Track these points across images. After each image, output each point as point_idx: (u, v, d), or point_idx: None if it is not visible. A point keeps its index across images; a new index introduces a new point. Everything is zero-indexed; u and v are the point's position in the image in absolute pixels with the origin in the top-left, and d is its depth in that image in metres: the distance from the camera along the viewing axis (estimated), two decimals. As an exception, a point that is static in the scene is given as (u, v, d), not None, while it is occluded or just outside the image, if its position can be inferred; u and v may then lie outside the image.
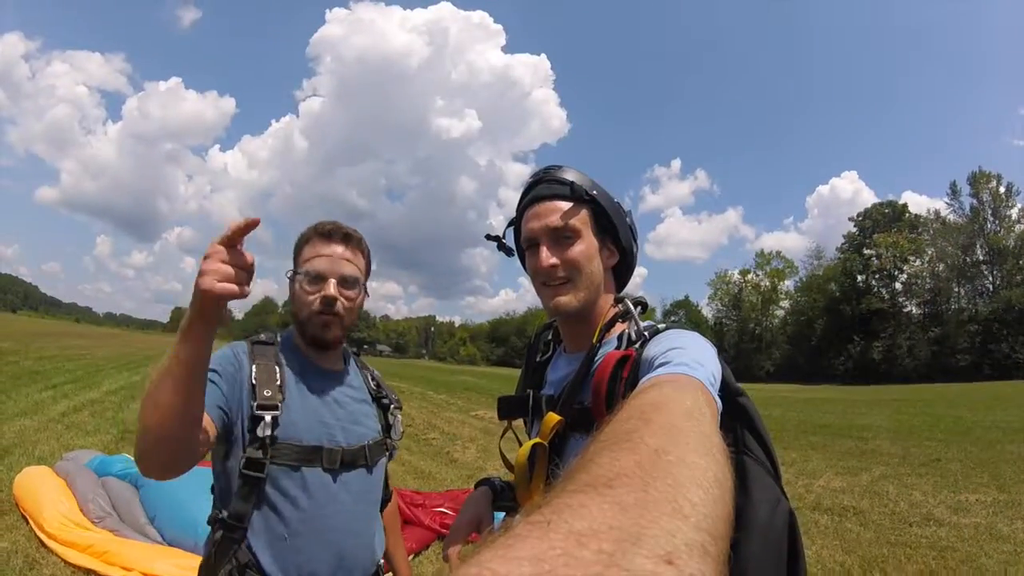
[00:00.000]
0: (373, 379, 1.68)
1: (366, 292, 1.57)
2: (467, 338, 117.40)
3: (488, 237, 1.26)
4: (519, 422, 1.30)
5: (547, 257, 1.12)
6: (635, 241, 1.21)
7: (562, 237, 1.13)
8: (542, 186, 1.17)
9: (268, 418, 1.35)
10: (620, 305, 1.13)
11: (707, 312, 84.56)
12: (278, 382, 1.41)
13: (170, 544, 3.79)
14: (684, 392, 0.67)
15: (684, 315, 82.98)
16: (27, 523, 4.10)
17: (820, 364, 61.92)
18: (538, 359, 1.31)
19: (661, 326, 1.05)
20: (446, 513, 4.78)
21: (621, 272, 1.23)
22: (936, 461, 8.78)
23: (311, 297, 1.47)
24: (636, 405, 0.59)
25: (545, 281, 1.15)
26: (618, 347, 1.06)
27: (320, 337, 1.49)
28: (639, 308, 1.13)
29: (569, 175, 1.15)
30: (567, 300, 1.13)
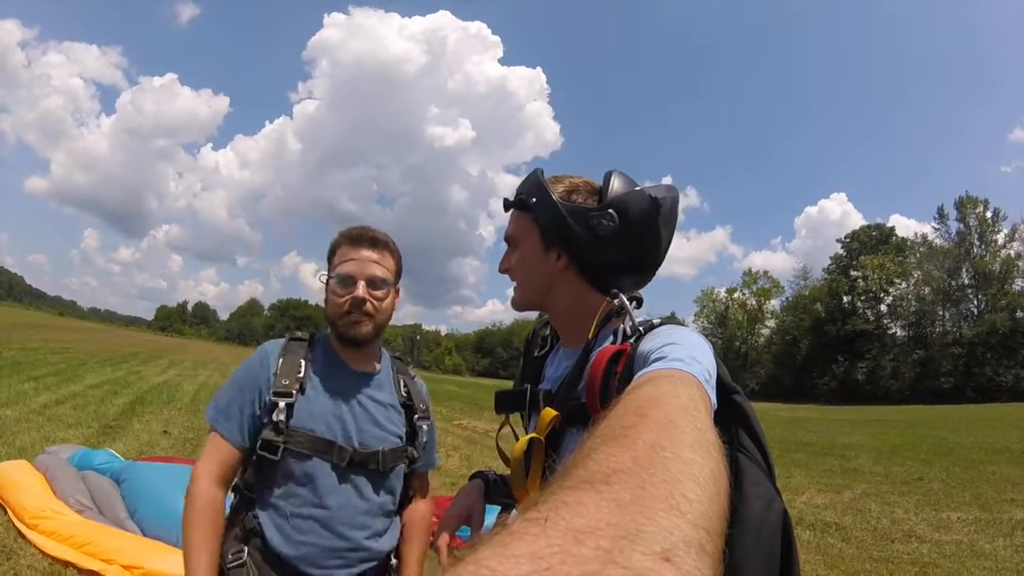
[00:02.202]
0: (405, 386, 1.71)
1: (397, 292, 1.64)
2: (453, 348, 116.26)
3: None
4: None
5: (501, 263, 1.23)
6: (601, 236, 1.08)
7: (510, 245, 1.22)
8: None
9: (282, 404, 1.47)
10: (616, 300, 1.10)
11: (693, 329, 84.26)
12: (299, 374, 1.52)
13: (150, 538, 3.71)
14: (679, 388, 0.66)
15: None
16: (5, 513, 4.03)
17: (804, 383, 61.75)
18: (536, 353, 1.30)
19: (656, 321, 1.04)
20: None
21: (600, 268, 1.13)
22: (918, 480, 8.84)
23: (342, 299, 1.55)
24: (632, 400, 0.59)
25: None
26: (614, 342, 1.04)
27: (351, 335, 1.57)
28: (635, 303, 1.11)
29: (522, 184, 1.19)
30: (513, 299, 1.24)
